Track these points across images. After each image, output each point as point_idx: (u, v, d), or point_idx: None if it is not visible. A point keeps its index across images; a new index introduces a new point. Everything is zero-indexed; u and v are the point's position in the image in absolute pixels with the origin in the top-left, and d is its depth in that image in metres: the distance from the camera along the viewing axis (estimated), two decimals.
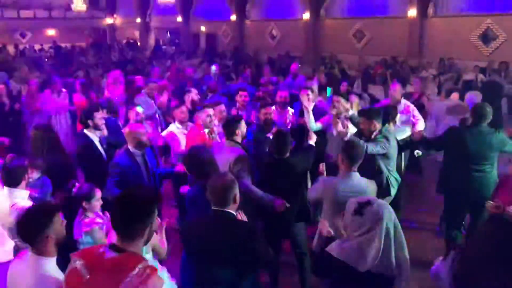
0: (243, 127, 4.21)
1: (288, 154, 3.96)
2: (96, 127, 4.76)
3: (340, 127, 4.55)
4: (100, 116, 4.81)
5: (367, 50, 16.61)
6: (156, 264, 2.86)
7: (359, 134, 4.72)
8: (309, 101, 5.58)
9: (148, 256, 2.86)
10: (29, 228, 2.33)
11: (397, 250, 2.42)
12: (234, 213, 2.74)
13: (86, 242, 3.42)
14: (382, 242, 2.36)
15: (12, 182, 3.32)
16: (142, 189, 2.18)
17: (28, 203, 3.26)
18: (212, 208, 2.71)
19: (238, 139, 4.13)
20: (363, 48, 16.84)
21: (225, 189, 2.67)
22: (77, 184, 3.60)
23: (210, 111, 5.03)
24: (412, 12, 14.91)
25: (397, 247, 2.42)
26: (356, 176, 3.48)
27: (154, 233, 2.95)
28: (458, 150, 4.49)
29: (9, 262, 3.72)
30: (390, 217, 2.41)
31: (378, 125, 4.49)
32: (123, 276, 1.92)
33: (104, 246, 2.07)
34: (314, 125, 5.29)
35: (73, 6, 25.54)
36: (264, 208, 3.76)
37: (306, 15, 18.16)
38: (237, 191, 2.74)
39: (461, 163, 4.46)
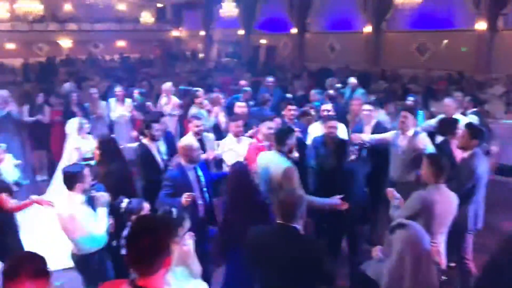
0: (291, 139, 4.15)
1: (345, 163, 4.14)
2: (153, 138, 4.84)
3: None
4: (157, 127, 4.88)
5: (431, 64, 15.98)
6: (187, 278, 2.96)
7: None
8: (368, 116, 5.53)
9: (180, 271, 2.97)
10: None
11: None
12: (299, 228, 2.76)
13: None
14: (393, 268, 2.27)
15: (67, 186, 3.57)
16: (154, 219, 1.95)
17: (80, 208, 3.49)
18: (278, 222, 2.75)
19: (285, 149, 4.10)
20: (427, 62, 16.25)
21: (294, 206, 2.72)
22: (124, 199, 3.72)
23: (271, 124, 4.91)
24: (481, 25, 14.18)
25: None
26: (445, 188, 3.43)
27: (188, 252, 3.07)
28: None
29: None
30: (414, 247, 2.31)
31: (475, 148, 4.08)
32: None
33: (126, 283, 1.90)
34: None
35: (141, 19, 27.04)
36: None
37: (368, 28, 17.87)
38: (304, 208, 2.77)
39: None
